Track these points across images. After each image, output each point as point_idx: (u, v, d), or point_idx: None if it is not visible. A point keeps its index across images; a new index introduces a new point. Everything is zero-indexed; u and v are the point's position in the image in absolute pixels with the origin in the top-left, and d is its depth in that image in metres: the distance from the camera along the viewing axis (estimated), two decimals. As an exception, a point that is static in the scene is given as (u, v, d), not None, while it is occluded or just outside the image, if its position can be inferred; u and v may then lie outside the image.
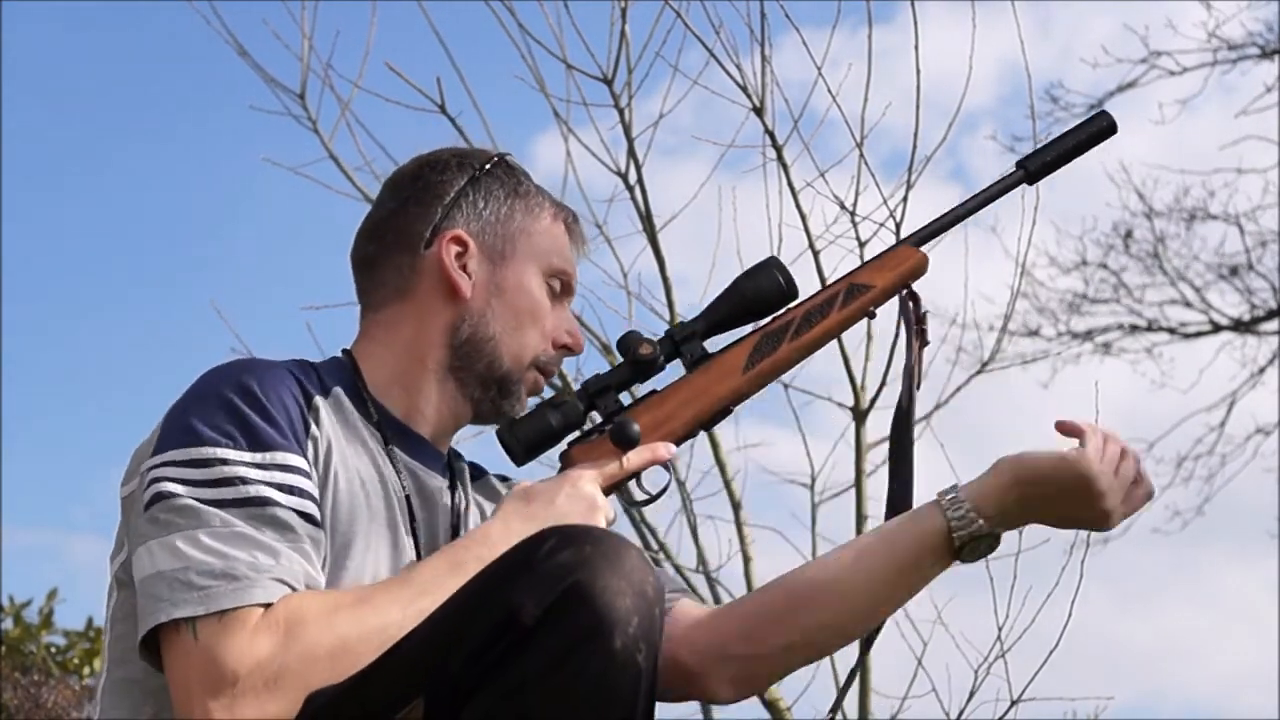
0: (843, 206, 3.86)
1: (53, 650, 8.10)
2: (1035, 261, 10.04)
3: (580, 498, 1.79)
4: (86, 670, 8.15)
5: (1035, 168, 2.01)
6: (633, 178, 4.38)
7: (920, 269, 1.95)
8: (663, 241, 4.41)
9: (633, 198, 4.40)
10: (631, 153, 4.35)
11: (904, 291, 1.95)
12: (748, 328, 1.93)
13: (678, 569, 4.41)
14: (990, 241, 8.16)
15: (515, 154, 2.00)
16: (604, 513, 1.80)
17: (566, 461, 1.86)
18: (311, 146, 4.56)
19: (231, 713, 1.58)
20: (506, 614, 1.51)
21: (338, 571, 1.73)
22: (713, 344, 1.93)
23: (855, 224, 3.88)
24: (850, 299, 1.93)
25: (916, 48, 3.72)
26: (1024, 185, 2.02)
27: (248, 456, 1.69)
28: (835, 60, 3.75)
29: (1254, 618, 11.68)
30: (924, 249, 1.96)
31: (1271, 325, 10.38)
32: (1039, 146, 2.02)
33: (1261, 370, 10.28)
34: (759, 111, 3.99)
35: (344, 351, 1.91)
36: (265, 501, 1.67)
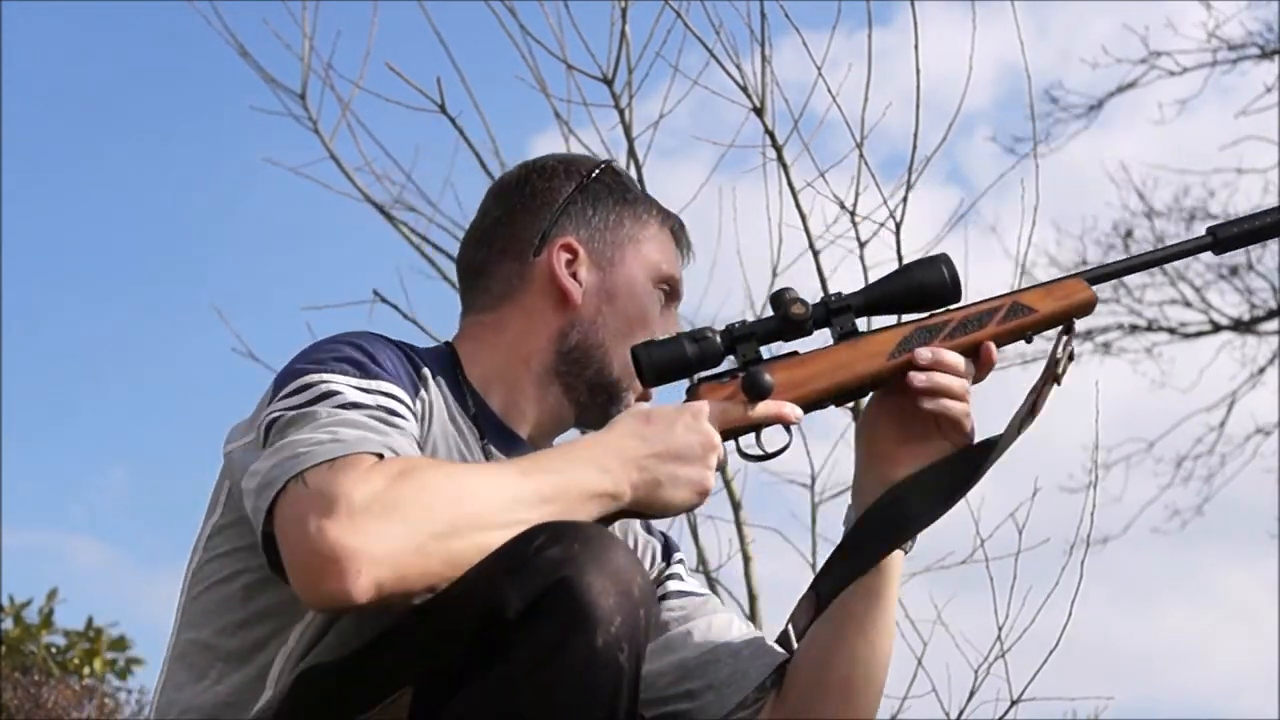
0: (843, 206, 3.86)
1: (53, 650, 8.11)
2: (1035, 261, 10.05)
3: (698, 431, 1.75)
4: (86, 670, 8.15)
5: (1224, 236, 1.94)
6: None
7: (1088, 306, 1.90)
8: (663, 241, 4.41)
9: (633, 198, 4.40)
10: (632, 153, 4.35)
11: (1064, 326, 1.90)
12: (890, 318, 1.92)
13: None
14: (990, 241, 8.17)
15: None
16: (717, 454, 1.77)
17: (692, 396, 1.83)
18: (312, 147, 4.55)
19: (350, 534, 1.53)
20: (492, 608, 1.52)
21: None
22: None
23: (855, 224, 3.88)
24: (1011, 317, 1.88)
25: (916, 48, 3.72)
26: (1210, 252, 1.97)
27: (354, 381, 1.69)
28: (835, 61, 3.75)
29: (1253, 618, 11.69)
30: (1095, 289, 1.91)
31: (1271, 325, 10.39)
32: (1233, 218, 1.97)
33: (1261, 370, 10.30)
34: (759, 112, 3.99)
35: (445, 344, 1.91)
36: (368, 408, 1.66)
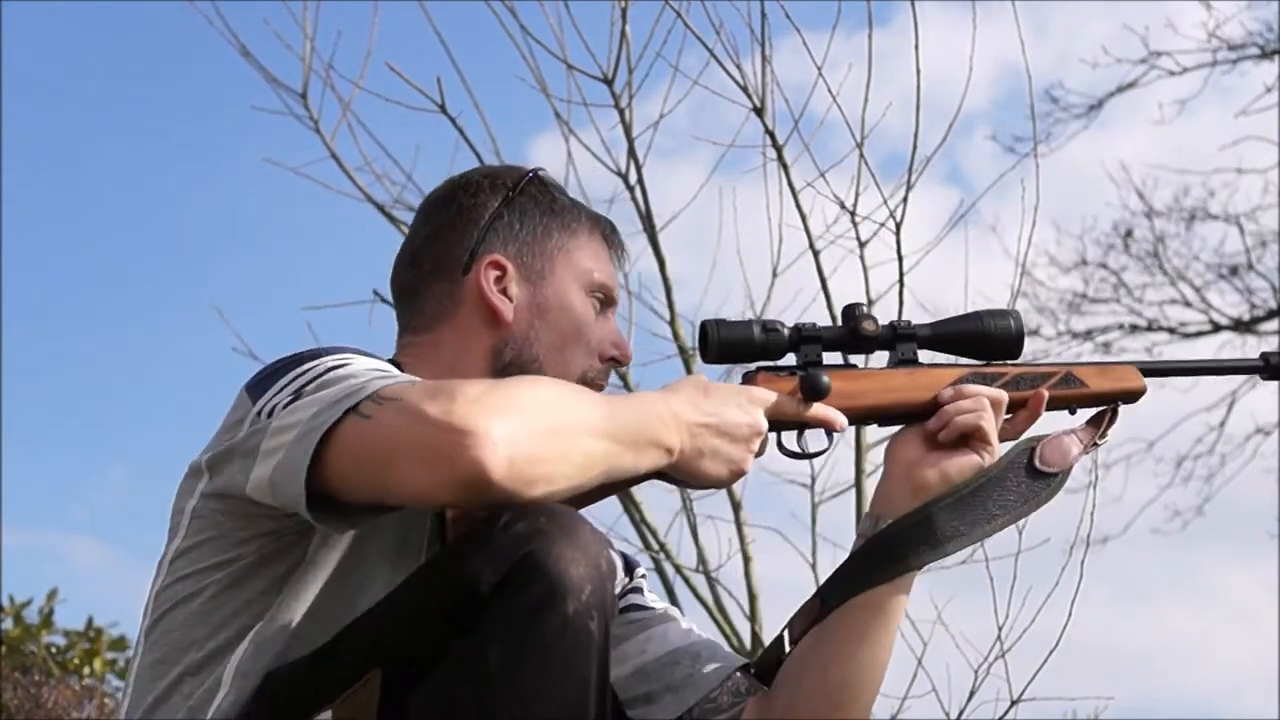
0: (843, 206, 3.86)
1: (53, 650, 8.10)
2: (1035, 261, 10.08)
3: (748, 415, 1.78)
4: (86, 670, 8.15)
5: (1276, 364, 2.00)
6: (633, 178, 4.38)
7: (1137, 394, 1.96)
8: (663, 242, 4.41)
9: (633, 198, 4.40)
10: (632, 153, 4.35)
11: (1109, 408, 1.96)
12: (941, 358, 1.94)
13: (678, 569, 4.41)
14: (990, 241, 8.18)
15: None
16: (759, 440, 1.80)
17: (748, 382, 1.86)
18: (313, 146, 4.56)
19: (475, 414, 1.52)
20: (463, 584, 1.53)
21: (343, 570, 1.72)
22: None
23: (855, 224, 3.88)
24: (1062, 386, 1.94)
25: (917, 48, 3.72)
26: (1259, 376, 2.02)
27: (362, 359, 1.69)
28: (835, 62, 3.76)
29: (1254, 618, 11.69)
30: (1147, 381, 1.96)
31: (1271, 325, 10.39)
32: None
33: (1262, 370, 10.27)
34: (759, 112, 3.99)
35: (388, 361, 1.89)
36: (380, 368, 1.66)
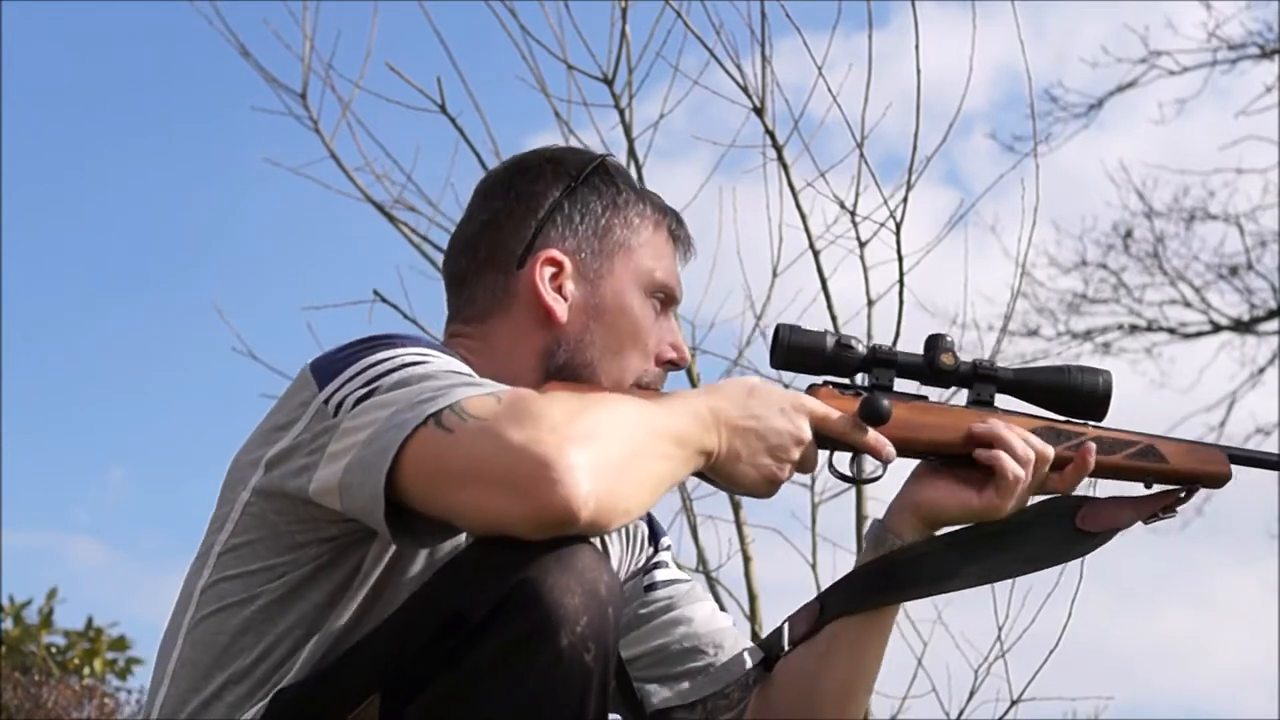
0: (843, 206, 3.87)
1: (53, 650, 8.11)
2: (1035, 261, 10.09)
3: (793, 423, 1.74)
4: (86, 670, 8.16)
5: None
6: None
7: (1220, 479, 1.91)
8: (663, 242, 4.40)
9: (633, 198, 4.39)
10: (632, 153, 4.35)
11: (1186, 488, 1.91)
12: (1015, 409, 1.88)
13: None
14: (990, 241, 8.19)
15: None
16: (803, 450, 1.75)
17: (810, 394, 1.81)
18: (312, 147, 4.55)
19: (562, 446, 1.47)
20: (456, 610, 1.49)
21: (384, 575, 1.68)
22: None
23: (855, 224, 3.89)
24: (1141, 458, 1.88)
25: (917, 49, 3.73)
26: None
27: (437, 355, 1.63)
28: (834, 62, 3.77)
29: (1253, 618, 11.70)
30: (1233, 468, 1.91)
31: (1271, 325, 10.40)
32: None
33: (1261, 370, 10.30)
34: (759, 112, 4.00)
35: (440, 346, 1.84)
36: (459, 370, 1.62)
